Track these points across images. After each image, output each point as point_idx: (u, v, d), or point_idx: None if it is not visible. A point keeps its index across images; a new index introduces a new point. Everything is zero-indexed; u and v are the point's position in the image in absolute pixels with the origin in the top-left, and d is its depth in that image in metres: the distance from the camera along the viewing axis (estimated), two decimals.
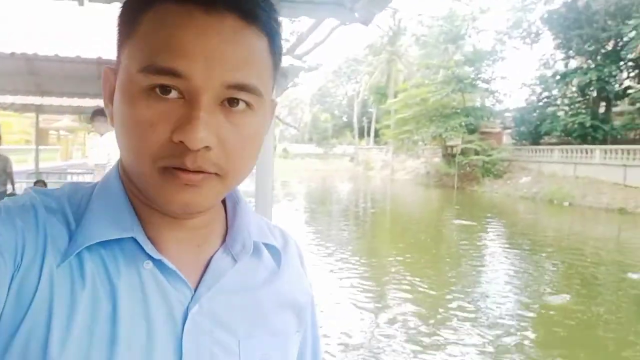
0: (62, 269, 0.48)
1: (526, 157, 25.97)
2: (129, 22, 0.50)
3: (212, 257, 0.57)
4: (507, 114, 31.20)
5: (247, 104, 0.49)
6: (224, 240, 0.60)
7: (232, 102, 0.48)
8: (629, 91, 23.88)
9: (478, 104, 31.11)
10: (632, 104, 22.84)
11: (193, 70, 0.46)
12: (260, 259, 0.62)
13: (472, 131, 28.19)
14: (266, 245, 0.63)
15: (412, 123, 31.18)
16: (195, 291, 0.54)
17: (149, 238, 0.52)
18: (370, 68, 45.94)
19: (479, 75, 29.84)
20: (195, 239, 0.57)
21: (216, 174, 0.49)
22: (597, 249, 11.94)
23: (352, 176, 38.03)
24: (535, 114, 27.74)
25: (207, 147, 0.47)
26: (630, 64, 24.42)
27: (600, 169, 20.39)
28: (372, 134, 48.39)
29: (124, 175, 0.56)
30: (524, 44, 28.77)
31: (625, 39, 23.16)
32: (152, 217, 0.54)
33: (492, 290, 8.22)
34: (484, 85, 29.93)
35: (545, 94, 28.23)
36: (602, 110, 25.06)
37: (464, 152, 27.55)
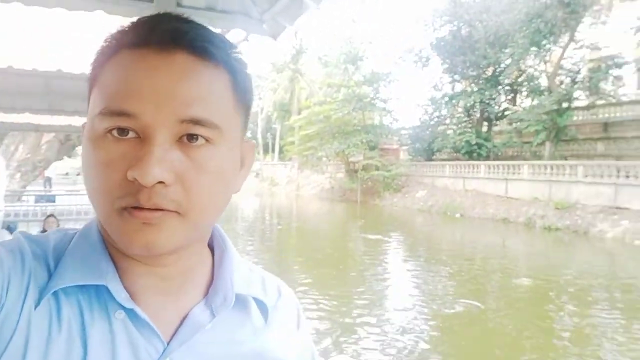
0: (40, 312, 0.48)
1: (421, 172, 27.70)
2: (93, 74, 0.52)
3: (190, 310, 0.55)
4: (403, 132, 33.12)
5: (207, 139, 0.49)
6: (207, 292, 0.58)
7: (191, 137, 0.48)
8: (507, 112, 26.66)
9: (377, 122, 32.64)
10: (510, 123, 25.48)
11: (144, 109, 0.46)
12: (245, 312, 0.59)
13: (372, 148, 29.48)
14: (255, 299, 0.61)
15: (316, 139, 31.80)
16: (167, 345, 0.52)
17: (125, 287, 0.51)
18: (274, 85, 46.24)
19: (377, 95, 31.39)
20: (173, 290, 0.55)
21: (177, 212, 0.48)
22: (487, 257, 12.96)
23: (258, 192, 37.66)
24: (428, 132, 29.76)
25: (162, 183, 0.46)
26: (507, 88, 27.28)
27: (485, 183, 22.39)
28: (276, 149, 48.54)
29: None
30: (416, 68, 30.78)
31: (502, 65, 25.88)
32: (129, 266, 0.53)
33: (398, 301, 8.48)
34: (382, 105, 31.52)
35: (436, 113, 30.45)
36: (484, 129, 27.62)
37: (365, 168, 28.65)
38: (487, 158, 24.89)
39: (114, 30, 0.52)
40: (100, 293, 0.51)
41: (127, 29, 0.51)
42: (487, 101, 26.06)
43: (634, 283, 9.92)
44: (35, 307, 0.48)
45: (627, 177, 16.40)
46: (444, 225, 19.62)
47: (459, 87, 30.00)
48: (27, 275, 0.49)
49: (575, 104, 22.72)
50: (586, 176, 17.75)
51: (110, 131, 0.47)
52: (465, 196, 22.59)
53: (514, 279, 10.30)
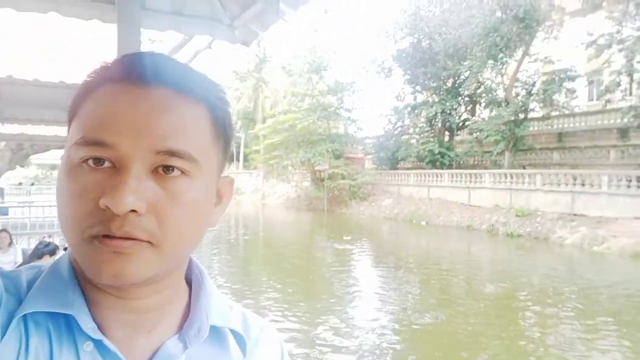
0: (10, 339, 0.48)
1: (387, 181, 28.00)
2: (74, 107, 0.53)
3: (163, 343, 0.55)
4: (367, 141, 33.44)
5: (182, 171, 0.49)
6: (183, 326, 0.58)
7: (167, 169, 0.49)
8: (467, 122, 27.37)
9: (342, 131, 32.83)
10: (471, 133, 26.14)
11: (121, 139, 0.47)
12: (223, 346, 0.59)
13: (337, 156, 29.58)
14: (232, 331, 0.60)
15: (281, 148, 31.65)
16: None
17: (95, 318, 0.51)
18: (237, 93, 45.81)
19: (342, 104, 31.60)
20: (145, 323, 0.55)
21: (149, 242, 0.48)
22: (453, 264, 13.15)
23: None
24: (392, 142, 30.16)
25: (135, 212, 0.46)
26: (466, 99, 28.04)
27: (449, 191, 22.84)
28: (241, 158, 48.03)
29: None
30: (379, 78, 31.23)
31: (462, 77, 26.60)
32: (99, 297, 0.53)
33: (368, 312, 8.43)
34: (347, 114, 31.74)
35: (400, 123, 30.92)
36: (447, 138, 28.25)
37: (331, 177, 28.71)
38: (450, 167, 25.45)
39: (97, 66, 0.54)
40: (69, 323, 0.50)
41: (109, 64, 0.52)
42: (448, 111, 26.67)
43: (594, 289, 10.26)
44: (3, 334, 0.47)
45: (583, 185, 17.08)
46: (411, 233, 19.84)
47: (420, 97, 30.58)
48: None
49: (532, 115, 23.59)
50: (544, 184, 18.38)
51: (86, 161, 0.48)
52: (430, 204, 22.96)
53: (480, 285, 10.49)
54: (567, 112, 23.27)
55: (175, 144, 0.48)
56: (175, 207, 0.49)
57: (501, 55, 22.82)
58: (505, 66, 23.58)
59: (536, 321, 8.07)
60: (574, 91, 22.94)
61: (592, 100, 25.66)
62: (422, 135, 28.76)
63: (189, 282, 0.61)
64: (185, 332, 0.56)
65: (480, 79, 25.35)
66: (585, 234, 15.40)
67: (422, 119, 29.44)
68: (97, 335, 0.50)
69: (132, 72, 0.50)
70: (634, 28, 18.58)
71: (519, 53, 23.32)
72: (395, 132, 30.87)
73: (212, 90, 0.54)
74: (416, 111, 29.15)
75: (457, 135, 28.70)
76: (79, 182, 0.48)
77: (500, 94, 24.34)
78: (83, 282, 0.53)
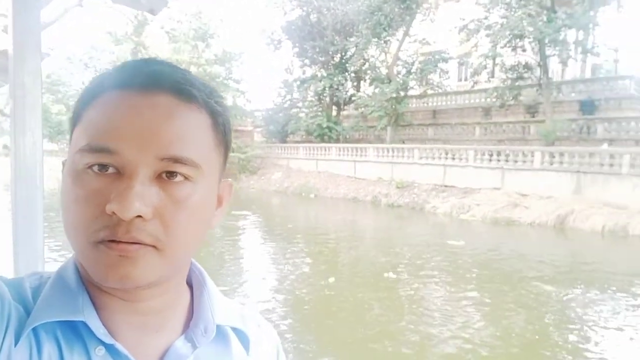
0: (20, 350, 0.48)
1: (276, 154, 28.13)
2: (77, 113, 0.54)
3: (172, 344, 0.56)
4: (257, 114, 33.11)
5: (186, 177, 0.50)
6: (188, 326, 0.59)
7: (171, 175, 0.50)
8: (353, 98, 28.46)
9: (230, 102, 32.01)
10: (356, 109, 27.26)
11: (126, 146, 0.48)
12: (227, 344, 0.60)
13: None
14: (234, 329, 0.62)
15: None
16: None
17: (103, 323, 0.52)
18: (113, 57, 41.95)
19: (230, 75, 30.71)
20: (152, 325, 0.56)
21: (154, 246, 0.49)
22: (337, 232, 13.82)
23: None
24: (281, 115, 30.25)
25: (140, 218, 0.47)
26: (353, 75, 29.06)
27: (336, 164, 23.72)
28: None
29: (78, 260, 0.56)
30: (269, 50, 30.89)
31: (349, 53, 27.43)
32: (106, 301, 0.54)
33: (263, 285, 8.55)
34: (235, 85, 30.96)
35: (289, 97, 31.08)
36: (334, 113, 29.12)
37: None
38: (338, 141, 26.35)
39: (100, 73, 0.55)
40: (78, 329, 0.51)
41: (112, 71, 0.53)
42: (336, 86, 27.42)
43: (457, 251, 11.53)
44: (15, 344, 0.48)
45: (453, 159, 18.91)
46: (300, 206, 20.32)
47: (309, 71, 30.94)
48: (6, 316, 0.49)
49: (411, 92, 25.29)
50: (421, 158, 19.98)
51: (91, 167, 0.49)
52: (319, 177, 23.65)
53: (365, 251, 11.23)
54: (440, 91, 25.38)
55: (179, 150, 0.49)
56: (179, 212, 0.50)
57: (384, 34, 23.94)
58: (388, 45, 24.80)
59: (404, 274, 8.96)
60: (447, 72, 25.05)
61: (462, 80, 28.27)
62: (311, 109, 29.25)
63: (189, 284, 0.62)
64: (192, 332, 0.57)
65: (366, 56, 26.36)
66: (454, 203, 17.15)
67: (311, 93, 29.89)
68: (109, 339, 0.51)
69: (135, 79, 0.50)
70: (500, 15, 20.65)
71: (400, 33, 24.67)
72: (285, 105, 30.98)
73: (212, 96, 0.54)
74: (305, 85, 29.46)
75: (344, 110, 29.70)
76: (84, 187, 0.49)
77: (384, 71, 25.62)
78: (89, 287, 0.54)
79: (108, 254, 0.48)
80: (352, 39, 25.39)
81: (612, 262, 10.61)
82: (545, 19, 18.90)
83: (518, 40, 20.38)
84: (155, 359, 0.55)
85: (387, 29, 23.67)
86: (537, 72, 20.65)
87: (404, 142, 23.46)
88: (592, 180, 14.73)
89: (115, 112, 0.49)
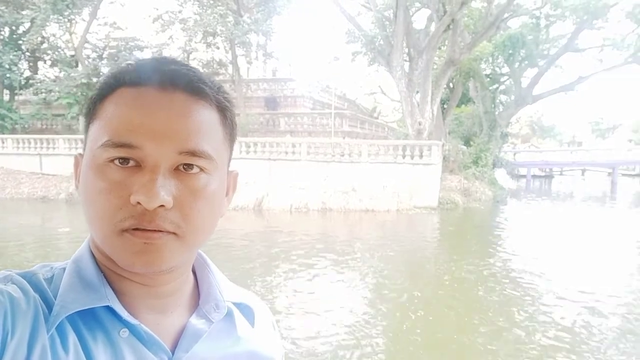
0: (43, 347, 0.49)
1: None
2: (93, 109, 0.56)
3: (187, 322, 0.60)
4: None
5: (201, 168, 0.54)
6: (197, 305, 0.63)
7: (187, 167, 0.54)
8: (32, 81, 24.31)
9: None
10: (36, 94, 23.39)
11: (147, 142, 0.51)
12: (234, 318, 0.65)
13: None
14: (238, 304, 0.67)
15: None
16: (173, 354, 0.57)
17: (125, 307, 0.55)
18: None
19: None
20: (168, 306, 0.60)
21: (174, 233, 0.53)
22: (17, 240, 11.88)
23: None
24: None
25: (163, 207, 0.51)
26: (28, 54, 24.72)
27: (15, 159, 19.85)
28: None
29: (95, 248, 0.59)
30: None
31: (22, 28, 23.17)
32: (125, 286, 0.57)
33: None
34: None
35: None
36: (7, 98, 24.16)
37: None
38: (15, 131, 22.05)
39: (113, 70, 0.57)
40: (99, 316, 0.54)
41: (128, 68, 0.56)
42: (7, 66, 22.77)
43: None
44: (40, 336, 0.49)
45: None
46: None
47: None
48: (32, 308, 0.50)
49: None
50: None
51: (112, 160, 0.52)
52: None
53: None
54: None
55: (195, 144, 0.53)
56: (197, 202, 0.54)
57: (68, 11, 21.34)
58: (74, 24, 22.23)
59: None
60: None
61: None
62: None
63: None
64: (204, 309, 0.63)
65: (45, 34, 22.87)
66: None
67: None
68: (135, 321, 0.54)
69: (152, 77, 0.54)
70: (194, 11, 21.41)
71: (87, 13, 22.48)
72: None
73: (220, 93, 0.58)
74: None
75: (20, 95, 25.02)
76: (107, 180, 0.51)
77: (69, 53, 22.85)
78: (108, 274, 0.57)
79: (134, 241, 0.51)
80: (25, 12, 21.53)
81: (294, 230, 12.91)
82: (233, 21, 20.75)
83: (212, 37, 21.70)
84: (174, 337, 0.59)
85: (70, 6, 21.14)
86: (230, 69, 22.52)
87: None
88: (280, 166, 17.30)
89: (135, 109, 0.52)
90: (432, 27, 19.87)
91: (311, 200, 15.89)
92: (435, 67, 20.13)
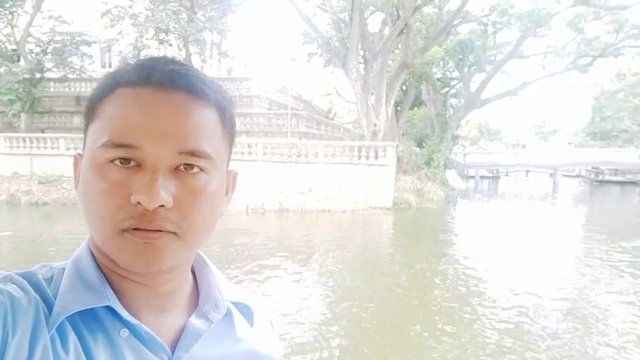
0: (44, 347, 0.49)
1: None
2: (92, 109, 0.56)
3: (187, 321, 0.60)
4: None
5: (201, 168, 0.55)
6: (196, 305, 0.63)
7: (187, 167, 0.54)
8: None
9: None
10: None
11: (147, 142, 0.51)
12: (233, 318, 0.65)
13: None
14: (236, 304, 0.67)
15: None
16: (173, 354, 0.56)
17: (125, 307, 0.55)
18: None
19: None
20: (168, 306, 0.60)
21: (175, 233, 0.53)
22: None
23: None
24: None
25: (163, 207, 0.51)
26: None
27: None
28: None
29: (94, 248, 0.58)
30: None
31: None
32: (125, 286, 0.57)
33: None
34: None
35: None
36: None
37: None
38: None
39: (112, 70, 0.58)
40: (99, 316, 0.53)
41: (126, 68, 0.56)
42: None
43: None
44: (41, 336, 0.49)
45: None
46: None
47: None
48: (33, 308, 0.50)
49: (51, 75, 22.36)
50: (68, 149, 18.12)
51: (112, 161, 0.52)
52: None
53: None
54: (85, 76, 23.48)
55: (195, 145, 0.53)
56: (196, 201, 0.54)
57: (10, 3, 20.18)
58: (15, 17, 21.02)
59: None
60: (92, 56, 23.37)
61: (106, 67, 26.92)
62: None
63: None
64: (204, 309, 0.62)
65: None
66: None
67: None
68: (135, 320, 0.54)
69: (152, 77, 0.54)
70: (145, 7, 20.76)
71: (29, 5, 21.30)
72: None
73: (219, 93, 0.58)
74: None
75: None
76: (107, 180, 0.51)
77: (12, 47, 21.59)
78: (108, 274, 0.57)
79: (134, 241, 0.51)
80: None
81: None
82: (186, 18, 20.31)
83: (164, 34, 21.13)
84: (174, 337, 0.59)
85: None
86: None
87: (44, 131, 20.60)
88: (236, 167, 17.03)
89: (135, 109, 0.52)
90: (386, 31, 20.28)
91: (268, 200, 15.82)
92: (389, 70, 20.55)
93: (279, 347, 0.72)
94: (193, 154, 0.53)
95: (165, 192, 0.51)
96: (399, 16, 18.71)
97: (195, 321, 0.61)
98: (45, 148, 18.26)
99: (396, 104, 23.88)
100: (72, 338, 0.51)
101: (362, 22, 18.96)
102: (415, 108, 28.95)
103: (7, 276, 0.53)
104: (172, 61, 0.56)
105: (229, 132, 0.60)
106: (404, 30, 18.79)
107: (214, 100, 0.57)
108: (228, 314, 0.64)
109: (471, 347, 5.30)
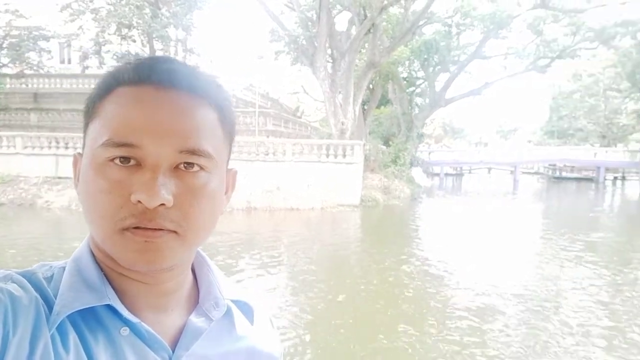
0: (45, 346, 0.49)
1: None
2: (92, 108, 0.56)
3: (187, 320, 0.60)
4: None
5: (201, 167, 0.55)
6: (196, 303, 0.63)
7: (188, 165, 0.54)
8: None
9: None
10: None
11: (147, 141, 0.51)
12: (233, 316, 0.65)
13: None
14: (236, 302, 0.67)
15: None
16: (173, 352, 0.57)
17: (125, 306, 0.55)
18: None
19: None
20: (168, 304, 0.60)
21: (175, 232, 0.53)
22: None
23: None
24: None
25: (163, 206, 0.51)
26: None
27: None
28: None
29: (95, 247, 0.58)
30: None
31: None
32: (126, 285, 0.57)
33: None
34: None
35: None
36: None
37: None
38: None
39: (111, 69, 0.57)
40: (99, 315, 0.54)
41: (126, 67, 0.56)
42: None
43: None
44: (42, 334, 0.49)
45: (67, 148, 17.43)
46: None
47: None
48: (33, 307, 0.50)
49: (6, 71, 21.42)
50: (25, 147, 17.42)
51: (112, 159, 0.52)
52: None
53: None
54: (42, 72, 22.62)
55: (196, 143, 0.53)
56: (197, 200, 0.54)
57: None
58: None
59: None
60: (50, 51, 22.53)
61: (65, 63, 26.01)
62: None
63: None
64: (204, 307, 0.62)
65: None
66: (71, 196, 15.98)
67: None
68: (135, 319, 0.54)
69: (152, 76, 0.54)
70: (107, 2, 20.16)
71: None
72: None
73: (219, 92, 0.58)
74: None
75: None
76: (107, 179, 0.51)
77: None
78: (108, 273, 0.57)
79: (134, 240, 0.51)
80: None
81: None
82: (150, 13, 19.86)
83: (127, 30, 20.59)
84: (174, 335, 0.59)
85: None
86: None
87: None
88: None
89: (135, 108, 0.52)
90: (354, 30, 20.45)
91: (235, 199, 15.69)
92: (356, 69, 20.73)
93: (280, 345, 0.73)
94: (193, 152, 0.53)
95: (165, 191, 0.51)
96: (366, 16, 18.91)
97: (195, 319, 0.61)
98: (0, 147, 17.49)
99: (363, 103, 24.12)
100: (72, 337, 0.51)
101: (330, 20, 19.05)
102: (382, 107, 29.33)
103: (7, 275, 0.53)
104: (172, 60, 0.57)
105: (229, 131, 0.60)
106: (371, 30, 19.00)
107: (214, 99, 0.57)
108: (228, 312, 0.65)
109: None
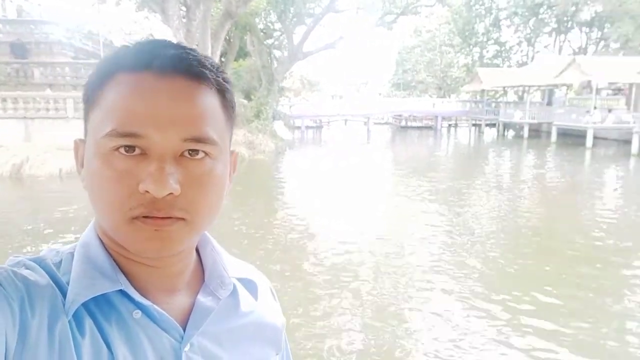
0: (63, 330, 0.50)
1: None
2: (92, 95, 0.55)
3: (196, 299, 0.62)
4: None
5: (206, 153, 0.55)
6: (201, 283, 0.64)
7: (192, 152, 0.54)
8: None
9: None
10: None
11: (152, 130, 0.51)
12: (238, 294, 0.67)
13: None
14: (241, 279, 0.69)
15: None
16: (184, 331, 0.58)
17: (136, 289, 0.56)
18: None
19: None
20: (176, 285, 0.62)
21: (183, 219, 0.54)
22: None
23: None
24: None
25: (171, 194, 0.52)
26: None
27: None
28: None
29: (102, 233, 0.59)
30: None
31: None
32: (135, 269, 0.58)
33: None
34: None
35: None
36: None
37: None
38: None
39: (111, 53, 0.56)
40: (110, 299, 0.55)
41: (125, 52, 0.54)
42: None
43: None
44: (60, 320, 0.50)
45: None
46: None
47: None
48: (48, 292, 0.51)
49: None
50: None
51: (117, 149, 0.52)
52: None
53: None
54: None
55: (200, 131, 0.53)
56: (203, 186, 0.55)
57: None
58: None
59: None
60: None
61: None
62: None
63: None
64: (211, 287, 0.64)
65: None
66: None
67: None
68: (147, 302, 0.55)
69: (153, 62, 0.53)
70: None
71: None
72: None
73: (219, 75, 0.57)
74: None
75: None
76: (114, 168, 0.51)
77: None
78: (117, 258, 0.58)
79: (144, 229, 0.52)
80: None
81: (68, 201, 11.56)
82: None
83: None
84: (183, 315, 0.60)
85: None
86: None
87: None
88: (41, 125, 14.83)
89: (137, 97, 0.52)
90: None
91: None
92: (213, 19, 19.75)
93: (282, 316, 0.75)
94: (198, 140, 0.53)
95: (173, 180, 0.51)
96: None
97: (203, 299, 0.62)
98: None
99: (221, 55, 23.23)
100: (87, 322, 0.52)
101: None
102: (241, 60, 28.64)
103: (20, 261, 0.54)
104: (172, 44, 0.56)
105: (230, 115, 0.60)
106: None
107: (215, 83, 0.56)
108: (234, 290, 0.66)
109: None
